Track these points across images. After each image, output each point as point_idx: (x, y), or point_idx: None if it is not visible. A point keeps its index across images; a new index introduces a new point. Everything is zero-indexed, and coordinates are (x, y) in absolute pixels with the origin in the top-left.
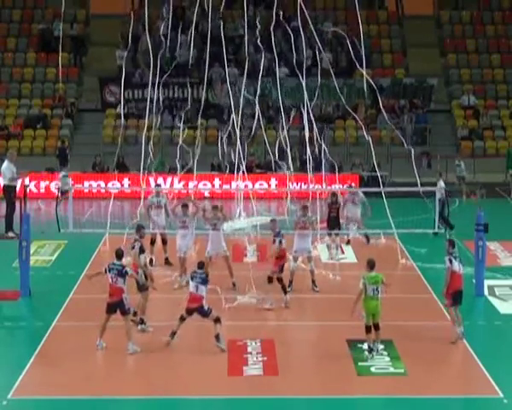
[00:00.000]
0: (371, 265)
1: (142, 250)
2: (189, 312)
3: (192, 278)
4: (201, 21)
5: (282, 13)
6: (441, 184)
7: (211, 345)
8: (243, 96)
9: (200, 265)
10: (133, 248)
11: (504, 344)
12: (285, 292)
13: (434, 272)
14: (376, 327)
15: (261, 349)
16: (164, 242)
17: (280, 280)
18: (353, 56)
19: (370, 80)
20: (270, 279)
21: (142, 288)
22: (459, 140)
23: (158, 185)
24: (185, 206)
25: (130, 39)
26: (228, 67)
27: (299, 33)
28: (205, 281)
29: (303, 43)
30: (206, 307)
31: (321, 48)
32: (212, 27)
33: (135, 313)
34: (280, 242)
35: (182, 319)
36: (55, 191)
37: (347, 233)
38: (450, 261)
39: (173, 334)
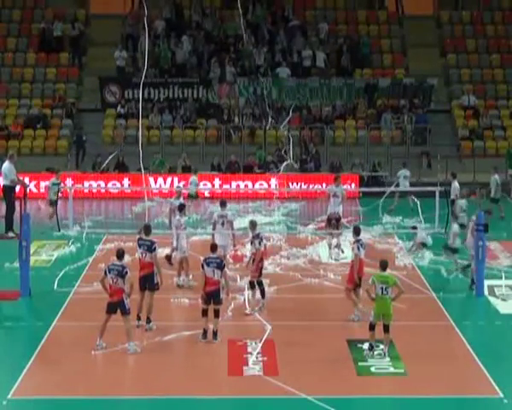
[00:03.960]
0: (382, 265)
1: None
2: (208, 296)
3: (208, 264)
4: (202, 21)
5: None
6: (455, 184)
7: (211, 345)
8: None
9: (214, 248)
10: (154, 249)
11: (504, 344)
12: (263, 296)
13: (434, 271)
14: (385, 329)
15: (261, 349)
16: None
17: (260, 284)
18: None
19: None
20: (251, 284)
21: (156, 287)
22: (459, 140)
23: (178, 187)
24: (183, 207)
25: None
26: (227, 66)
27: (298, 32)
28: (220, 265)
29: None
30: (221, 295)
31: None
32: (211, 27)
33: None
34: (259, 243)
35: (204, 313)
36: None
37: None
38: (358, 248)
39: (205, 333)
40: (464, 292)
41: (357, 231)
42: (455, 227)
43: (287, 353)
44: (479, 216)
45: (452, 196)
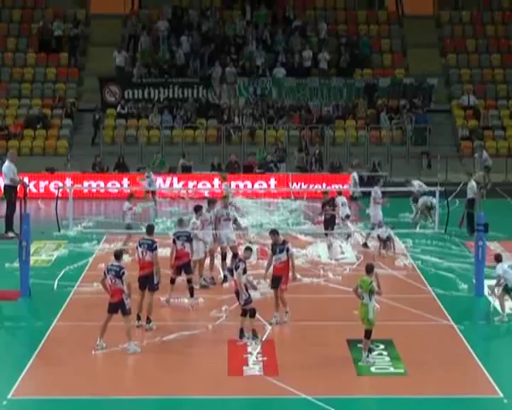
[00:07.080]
0: (367, 269)
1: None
2: (179, 268)
3: (178, 237)
4: (202, 21)
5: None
6: (473, 183)
7: (210, 345)
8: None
9: (180, 222)
10: (155, 248)
11: (504, 344)
12: (191, 295)
13: (434, 271)
14: (365, 334)
15: (261, 349)
16: (235, 256)
17: (173, 281)
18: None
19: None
20: (172, 281)
21: (156, 287)
22: (459, 140)
23: (225, 197)
24: (199, 208)
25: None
26: (227, 66)
27: (298, 33)
28: (189, 238)
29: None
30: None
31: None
32: (211, 27)
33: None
34: (173, 242)
35: (172, 281)
36: (55, 191)
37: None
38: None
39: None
40: (464, 292)
41: (278, 233)
42: None
43: (287, 353)
44: (478, 216)
45: (469, 196)
